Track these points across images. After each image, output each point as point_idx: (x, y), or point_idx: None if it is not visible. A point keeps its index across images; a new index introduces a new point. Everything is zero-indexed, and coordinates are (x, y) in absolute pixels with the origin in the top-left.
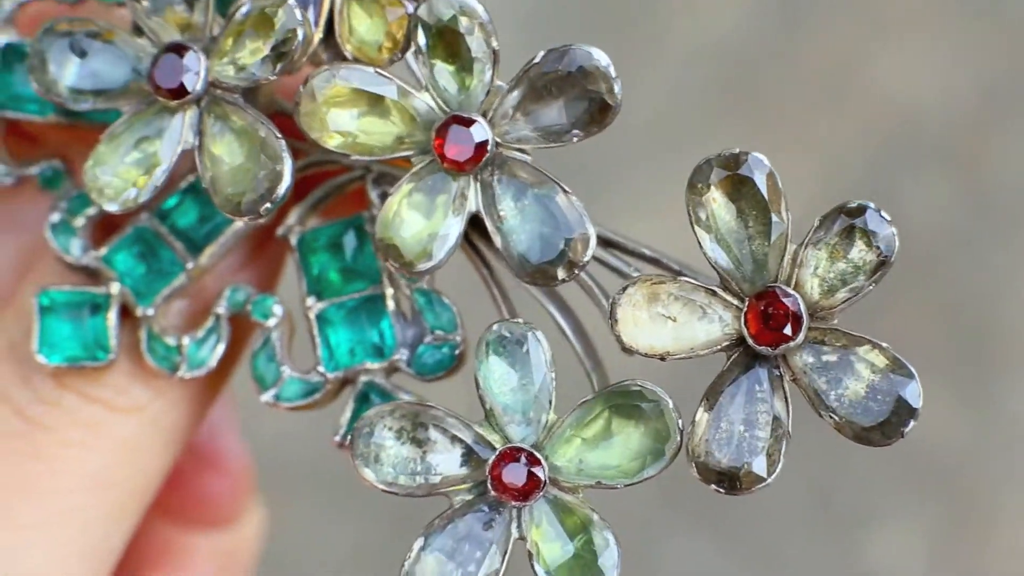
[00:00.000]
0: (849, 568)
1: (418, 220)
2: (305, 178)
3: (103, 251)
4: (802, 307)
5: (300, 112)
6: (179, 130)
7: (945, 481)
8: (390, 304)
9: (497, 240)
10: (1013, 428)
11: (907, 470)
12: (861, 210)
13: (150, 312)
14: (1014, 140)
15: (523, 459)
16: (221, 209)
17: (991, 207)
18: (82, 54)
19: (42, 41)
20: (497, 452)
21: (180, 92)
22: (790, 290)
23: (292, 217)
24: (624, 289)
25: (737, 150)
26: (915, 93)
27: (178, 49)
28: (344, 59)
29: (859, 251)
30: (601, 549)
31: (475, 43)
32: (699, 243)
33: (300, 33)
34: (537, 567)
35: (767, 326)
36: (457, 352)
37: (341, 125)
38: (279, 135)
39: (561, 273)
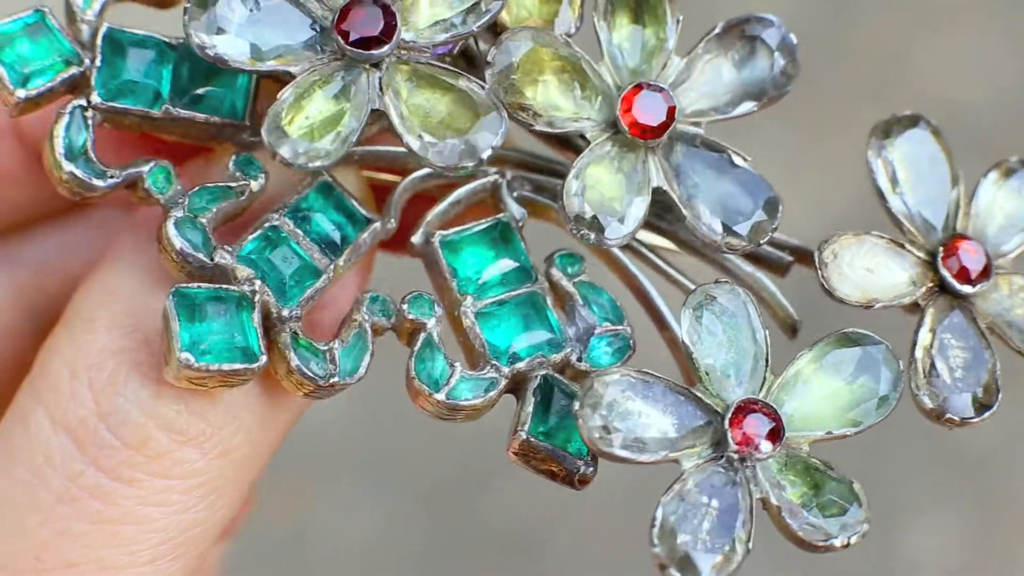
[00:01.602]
0: (886, 559)
1: (605, 188)
2: (430, 187)
3: (237, 250)
4: (989, 253)
5: (493, 71)
6: (367, 87)
7: (981, 472)
8: (550, 300)
9: (684, 212)
10: None
11: (944, 462)
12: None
13: (297, 312)
14: None
15: (759, 414)
16: (433, 162)
17: None
18: (254, 5)
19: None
20: (733, 406)
21: (378, 42)
22: (974, 239)
23: (426, 224)
24: (826, 242)
25: (910, 112)
26: (961, 86)
27: (362, 2)
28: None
29: None
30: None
31: (661, 13)
32: (882, 196)
33: None
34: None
35: (964, 265)
36: (631, 343)
37: (528, 92)
38: (484, 86)
39: (749, 239)
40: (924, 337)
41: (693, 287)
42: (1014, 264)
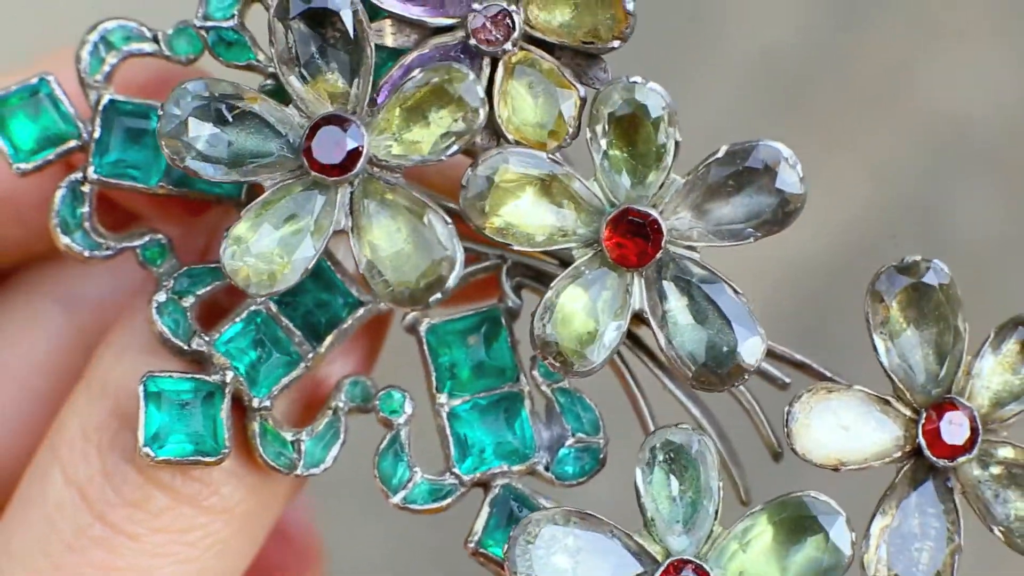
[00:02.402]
0: None
1: (579, 316)
2: None
3: (215, 335)
4: (978, 420)
5: (466, 196)
6: (331, 209)
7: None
8: (528, 404)
9: (661, 340)
10: None
11: None
12: None
13: (267, 404)
14: None
15: (689, 572)
16: (381, 297)
17: None
18: (222, 120)
19: (177, 103)
20: (663, 565)
21: (341, 169)
22: (966, 402)
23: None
24: (799, 397)
25: (919, 257)
26: (967, 103)
27: (337, 121)
28: (503, 140)
29: None
30: None
31: (660, 134)
32: (875, 350)
33: (482, 114)
34: None
35: (942, 438)
36: (600, 457)
37: (505, 212)
38: (447, 219)
39: (729, 378)
40: (886, 514)
41: (680, 398)
42: (1010, 431)
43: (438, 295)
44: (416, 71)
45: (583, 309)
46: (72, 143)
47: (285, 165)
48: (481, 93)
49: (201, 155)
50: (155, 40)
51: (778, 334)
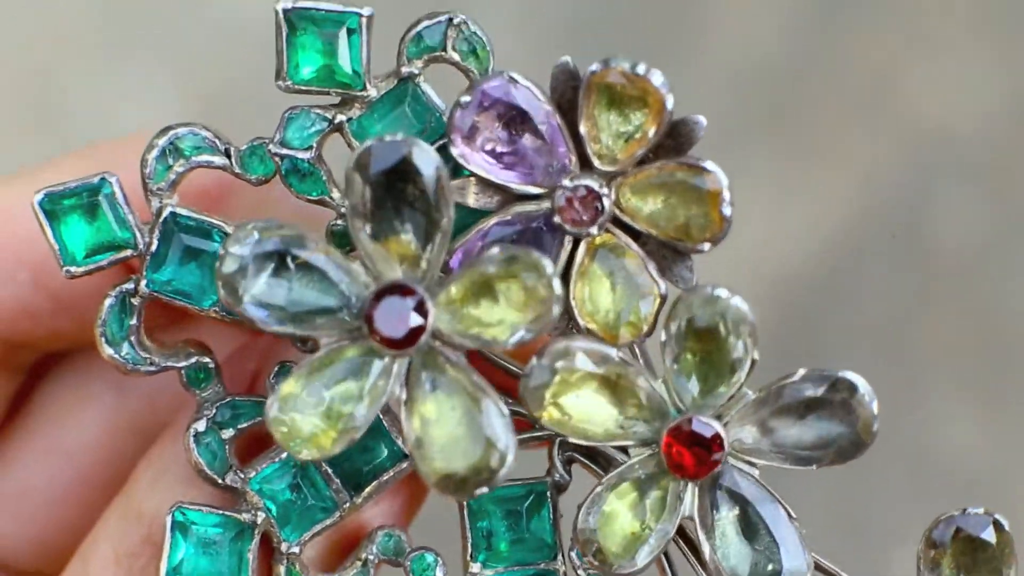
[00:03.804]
0: None
1: (626, 517)
2: None
3: (252, 473)
4: None
5: (528, 384)
6: (387, 379)
7: (973, 497)
8: None
9: (706, 549)
10: None
11: (934, 486)
12: None
13: (295, 550)
14: None
15: None
16: (426, 480)
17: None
18: (283, 267)
19: (239, 243)
20: None
21: (402, 343)
22: None
23: None
24: None
25: (981, 510)
26: (950, 111)
27: (404, 291)
28: (573, 323)
29: None
30: None
31: (736, 349)
32: None
33: (556, 311)
34: None
35: None
36: None
37: (565, 405)
38: (504, 410)
39: None
40: None
41: None
42: None
43: (484, 488)
44: (495, 248)
45: (631, 508)
46: (127, 252)
47: (344, 325)
48: (558, 290)
49: (258, 301)
50: (227, 154)
51: (760, 342)
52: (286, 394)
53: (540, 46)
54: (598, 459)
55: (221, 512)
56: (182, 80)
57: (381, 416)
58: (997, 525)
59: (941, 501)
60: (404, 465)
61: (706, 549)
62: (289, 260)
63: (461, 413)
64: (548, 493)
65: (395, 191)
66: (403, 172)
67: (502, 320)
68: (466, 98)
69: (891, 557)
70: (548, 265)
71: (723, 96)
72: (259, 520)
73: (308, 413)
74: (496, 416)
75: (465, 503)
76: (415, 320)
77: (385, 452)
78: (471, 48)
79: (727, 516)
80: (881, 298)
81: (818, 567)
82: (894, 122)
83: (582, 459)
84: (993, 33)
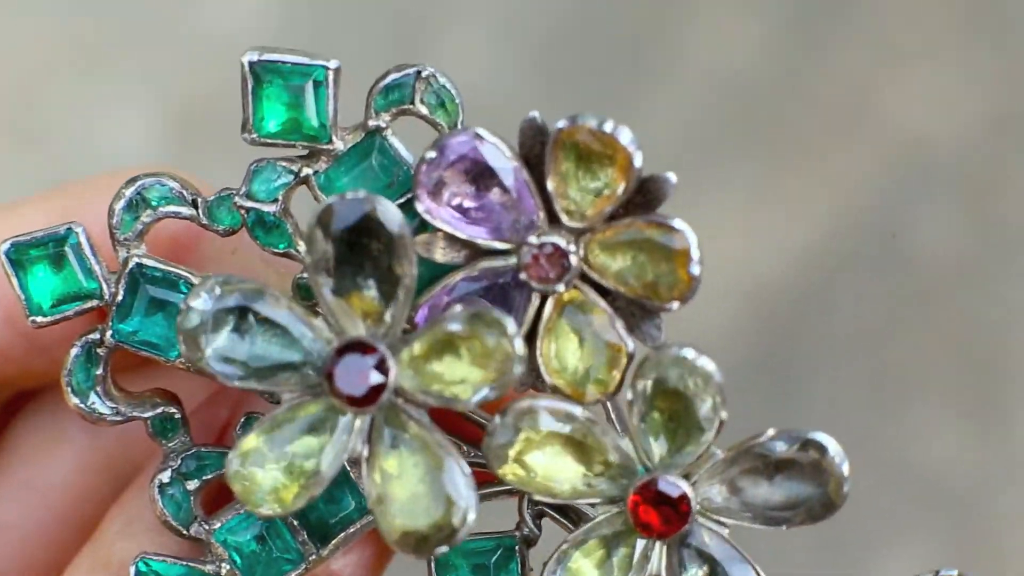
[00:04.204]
0: None
1: (592, 575)
2: None
3: (217, 524)
4: None
5: (491, 443)
6: (348, 436)
7: (954, 510)
8: None
9: None
10: (1023, 458)
11: (916, 498)
12: None
13: None
14: None
15: None
16: (387, 537)
17: (1004, 237)
18: (244, 323)
19: (199, 298)
20: None
21: (363, 401)
22: None
23: None
24: None
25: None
26: (927, 124)
27: (363, 348)
28: (540, 380)
29: None
30: None
31: (703, 409)
32: None
33: (518, 370)
34: None
35: None
36: None
37: (529, 462)
38: (466, 469)
39: None
40: None
41: None
42: None
43: (444, 548)
44: (458, 307)
45: (597, 566)
46: (93, 302)
47: (306, 381)
48: (520, 349)
49: (219, 356)
50: (194, 204)
51: (739, 355)
52: (247, 449)
53: (519, 60)
54: (569, 513)
55: (185, 563)
56: (160, 96)
57: (348, 468)
58: None
59: (922, 514)
60: (371, 517)
61: None
62: (250, 316)
63: (423, 471)
64: (517, 547)
65: (358, 248)
66: (365, 229)
67: (465, 378)
68: (431, 154)
69: (870, 569)
70: (511, 324)
71: (701, 108)
72: (223, 572)
73: (269, 468)
74: (459, 475)
75: (432, 559)
76: (375, 378)
77: (352, 504)
78: (439, 101)
79: (695, 575)
80: (860, 310)
81: None
82: (872, 134)
83: (552, 513)
84: (970, 45)
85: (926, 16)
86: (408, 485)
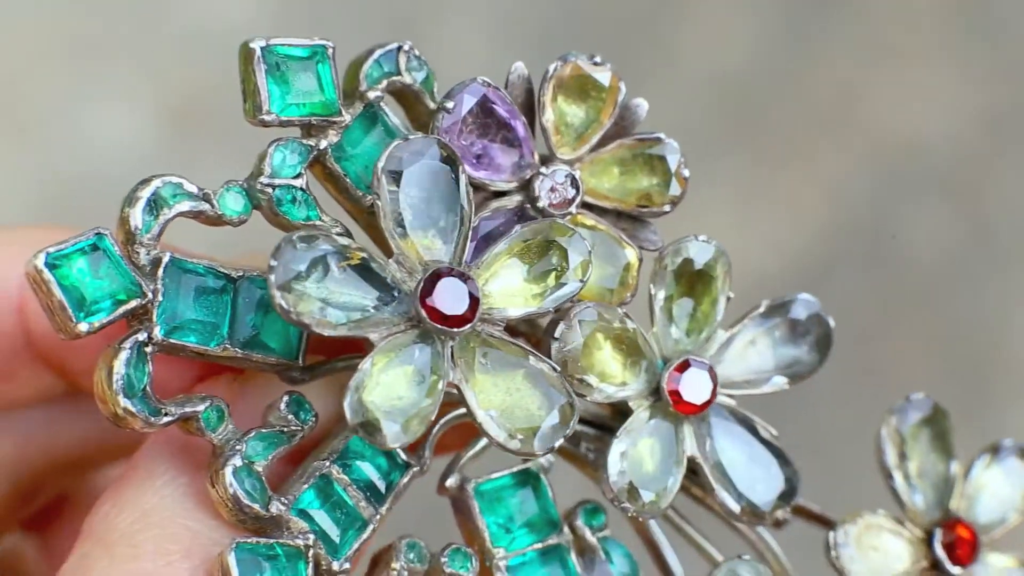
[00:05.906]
0: None
1: (649, 460)
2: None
3: (290, 500)
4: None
5: (562, 348)
6: (441, 361)
7: None
8: (573, 551)
9: (712, 481)
10: None
11: None
12: None
13: (347, 566)
14: (1016, 171)
15: None
16: (505, 446)
17: (993, 237)
18: (330, 273)
19: (291, 255)
20: None
21: (461, 320)
22: (967, 521)
23: (460, 468)
24: (843, 523)
25: (923, 395)
26: (918, 124)
27: (450, 272)
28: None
29: None
30: None
31: (716, 288)
32: (891, 479)
33: (590, 269)
34: None
35: (954, 552)
36: None
37: (586, 361)
38: (557, 367)
39: (779, 513)
40: None
41: (713, 552)
42: (998, 542)
43: (561, 440)
44: (518, 226)
45: (648, 455)
46: (136, 302)
47: (391, 320)
48: (589, 246)
49: (311, 306)
50: (205, 199)
51: None
52: (368, 382)
53: (514, 56)
54: (574, 441)
55: (273, 541)
56: (152, 89)
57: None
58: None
59: None
60: (411, 474)
61: (712, 481)
62: (333, 264)
63: (521, 377)
64: (540, 475)
65: (422, 188)
66: (429, 171)
67: (537, 290)
68: (450, 103)
69: None
70: (570, 225)
71: (692, 108)
72: (311, 543)
73: (391, 399)
74: (550, 373)
75: (474, 499)
76: (469, 299)
77: (388, 464)
78: (422, 72)
79: (725, 449)
80: (849, 310)
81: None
82: (862, 135)
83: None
84: (958, 47)
85: (917, 17)
86: (510, 396)
